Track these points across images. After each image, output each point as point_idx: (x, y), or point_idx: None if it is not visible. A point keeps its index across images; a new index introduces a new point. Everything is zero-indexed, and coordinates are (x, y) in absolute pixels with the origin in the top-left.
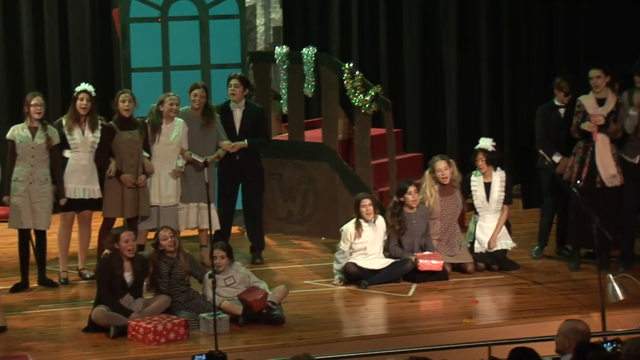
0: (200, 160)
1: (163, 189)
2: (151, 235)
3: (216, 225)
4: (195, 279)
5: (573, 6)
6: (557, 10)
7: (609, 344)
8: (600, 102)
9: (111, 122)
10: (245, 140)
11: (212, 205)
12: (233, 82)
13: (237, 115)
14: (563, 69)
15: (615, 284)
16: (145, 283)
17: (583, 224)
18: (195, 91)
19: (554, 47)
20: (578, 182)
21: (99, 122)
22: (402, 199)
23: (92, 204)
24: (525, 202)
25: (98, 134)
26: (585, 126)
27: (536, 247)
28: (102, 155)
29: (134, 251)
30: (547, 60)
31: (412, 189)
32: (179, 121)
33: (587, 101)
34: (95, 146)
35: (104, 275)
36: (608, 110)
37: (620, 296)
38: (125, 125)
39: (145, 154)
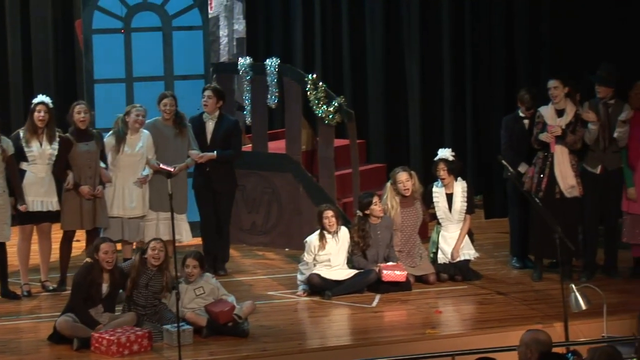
0: (170, 168)
1: (127, 200)
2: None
3: (188, 237)
4: None
5: (535, 16)
6: (519, 20)
7: (570, 354)
8: (560, 112)
9: (67, 134)
10: (215, 152)
11: (183, 217)
12: (206, 93)
13: (210, 126)
14: (525, 80)
15: (577, 294)
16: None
17: (545, 234)
18: (165, 101)
19: (515, 58)
20: (539, 193)
21: (57, 133)
22: (367, 212)
23: (51, 217)
24: (487, 212)
25: (56, 145)
26: (543, 137)
27: (514, 259)
28: (60, 167)
29: (112, 263)
30: (508, 72)
31: (376, 199)
32: (144, 132)
33: (546, 112)
34: (53, 158)
35: (83, 283)
36: (567, 121)
37: (583, 306)
38: (82, 136)
39: (102, 164)
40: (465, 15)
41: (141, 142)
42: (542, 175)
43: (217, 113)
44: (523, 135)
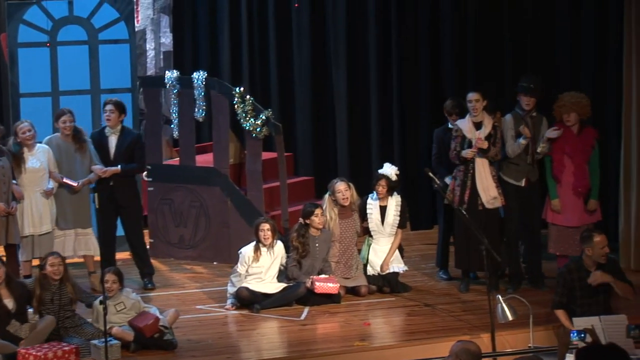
0: (74, 183)
1: (36, 217)
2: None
3: (97, 251)
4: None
5: (461, 30)
6: (445, 35)
7: None
8: (477, 125)
9: None
10: (119, 166)
11: (90, 231)
12: (108, 107)
13: (112, 140)
14: (451, 93)
15: (504, 305)
16: (31, 309)
17: (472, 246)
18: (64, 118)
19: (441, 71)
20: (462, 205)
21: None
22: (307, 222)
23: None
24: (414, 224)
25: None
26: (467, 154)
27: (441, 271)
28: None
29: (2, 278)
30: (434, 85)
31: (318, 211)
32: (42, 147)
33: (464, 125)
34: None
35: None
36: (485, 133)
37: (510, 317)
38: None
39: (13, 180)
40: (392, 28)
41: (40, 158)
42: (464, 188)
43: (119, 127)
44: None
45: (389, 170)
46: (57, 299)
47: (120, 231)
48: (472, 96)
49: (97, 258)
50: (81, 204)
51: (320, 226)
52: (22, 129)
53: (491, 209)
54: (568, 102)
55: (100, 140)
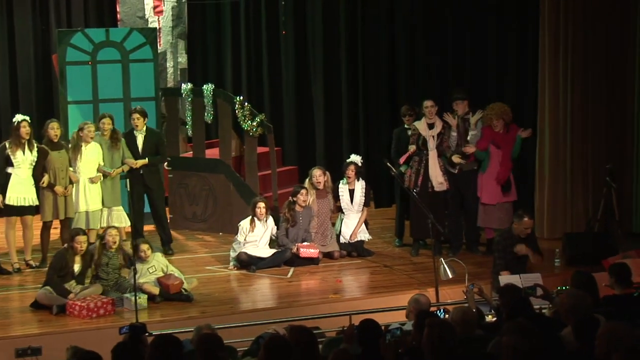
0: (110, 171)
1: (89, 197)
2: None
3: (127, 222)
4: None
5: (412, 51)
6: (399, 56)
7: (441, 311)
8: (430, 125)
9: (43, 145)
10: (147, 158)
11: (122, 208)
12: (135, 115)
13: (140, 139)
14: (404, 99)
15: (446, 266)
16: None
17: (421, 220)
18: (103, 120)
19: (396, 85)
20: (416, 188)
21: (35, 144)
22: (294, 199)
23: (31, 210)
24: (376, 203)
25: (35, 153)
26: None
27: (397, 239)
28: (39, 171)
29: (84, 250)
30: (391, 95)
31: (303, 191)
32: (95, 144)
33: (420, 125)
34: (33, 164)
35: (58, 264)
36: (437, 131)
37: (450, 275)
38: (55, 146)
39: (70, 167)
40: (359, 52)
41: (94, 151)
42: (418, 174)
43: (144, 128)
44: (408, 143)
45: (356, 158)
46: (111, 264)
47: (147, 208)
48: (428, 103)
49: (128, 229)
50: (114, 187)
51: (304, 204)
52: (89, 128)
53: (438, 191)
54: (497, 111)
55: (130, 139)
